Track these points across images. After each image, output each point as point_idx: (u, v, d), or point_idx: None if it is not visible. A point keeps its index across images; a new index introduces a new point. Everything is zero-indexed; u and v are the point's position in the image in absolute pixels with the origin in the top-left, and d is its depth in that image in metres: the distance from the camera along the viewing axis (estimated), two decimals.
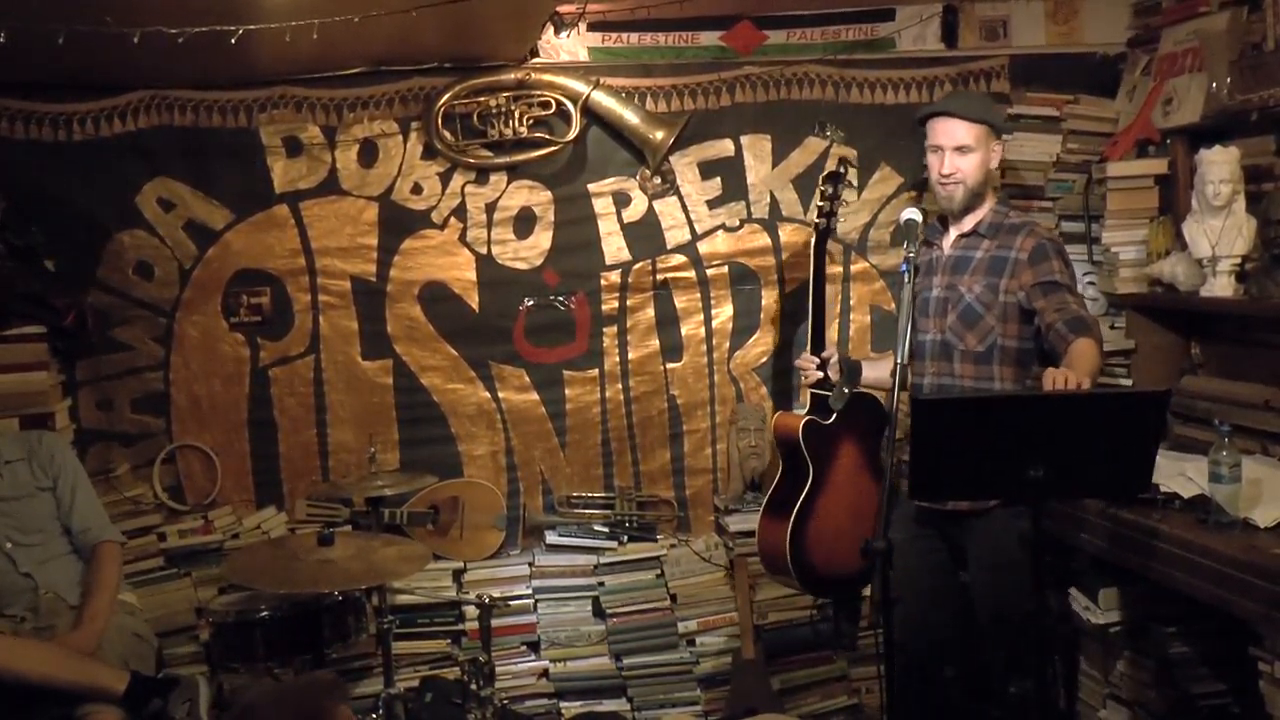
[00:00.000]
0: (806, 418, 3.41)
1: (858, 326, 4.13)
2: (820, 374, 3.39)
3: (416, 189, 3.92)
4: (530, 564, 3.99)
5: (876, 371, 3.49)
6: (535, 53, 3.88)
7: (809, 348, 3.47)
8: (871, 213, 4.09)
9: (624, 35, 3.91)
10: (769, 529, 3.46)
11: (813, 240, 3.53)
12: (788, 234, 4.06)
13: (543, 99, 3.84)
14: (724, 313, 4.08)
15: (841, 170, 3.54)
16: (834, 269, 4.08)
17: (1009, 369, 3.10)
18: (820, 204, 3.51)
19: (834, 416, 3.42)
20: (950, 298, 3.14)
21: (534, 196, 3.97)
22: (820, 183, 3.55)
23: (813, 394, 3.45)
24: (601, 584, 3.96)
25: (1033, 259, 3.03)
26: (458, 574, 3.95)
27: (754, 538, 3.58)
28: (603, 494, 4.08)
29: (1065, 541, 3.50)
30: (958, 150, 3.08)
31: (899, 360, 2.85)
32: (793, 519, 3.36)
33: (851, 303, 4.13)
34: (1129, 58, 3.96)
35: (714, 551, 4.03)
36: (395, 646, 3.52)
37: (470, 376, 4.00)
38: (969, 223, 3.16)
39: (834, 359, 3.43)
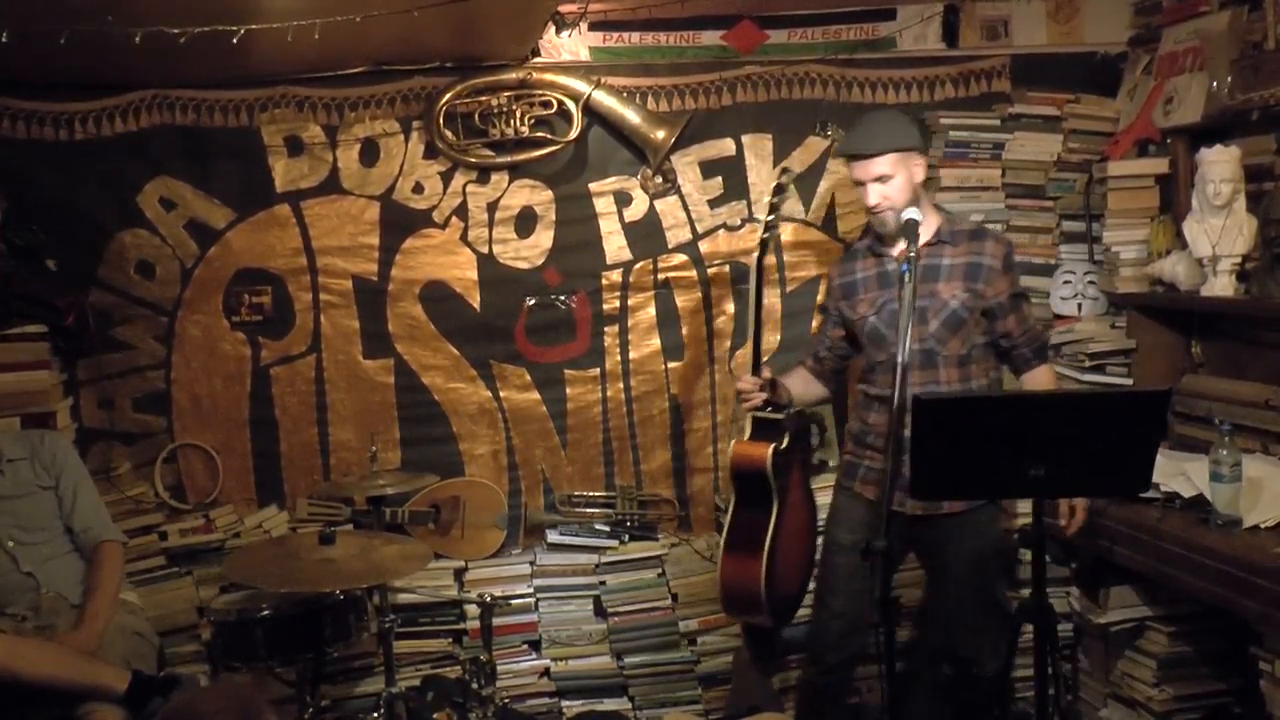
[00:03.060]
0: (771, 445, 3.26)
1: None
2: (765, 396, 3.25)
3: (418, 188, 3.93)
4: (531, 563, 3.99)
5: (797, 386, 3.40)
6: (536, 52, 3.88)
7: (750, 368, 3.32)
8: None
9: (625, 35, 3.91)
10: (738, 569, 3.28)
11: (756, 256, 3.36)
12: (789, 233, 4.05)
13: (544, 98, 3.84)
14: (725, 312, 4.08)
15: (785, 182, 3.45)
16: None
17: (982, 365, 3.21)
18: (768, 219, 3.37)
19: (786, 440, 3.29)
20: (930, 305, 3.13)
21: (535, 196, 3.97)
22: (771, 194, 3.40)
23: (759, 419, 3.30)
24: (603, 583, 3.96)
25: (1005, 267, 3.18)
26: (459, 573, 3.95)
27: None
28: (604, 493, 4.08)
29: (1065, 540, 3.51)
30: (878, 181, 3.11)
31: (901, 361, 2.84)
32: (765, 555, 3.24)
33: None
34: (1130, 57, 3.96)
35: (715, 550, 4.02)
36: (396, 645, 3.52)
37: (471, 376, 4.01)
38: (925, 233, 3.13)
39: (770, 379, 3.31)
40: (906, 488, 3.07)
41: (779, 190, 3.40)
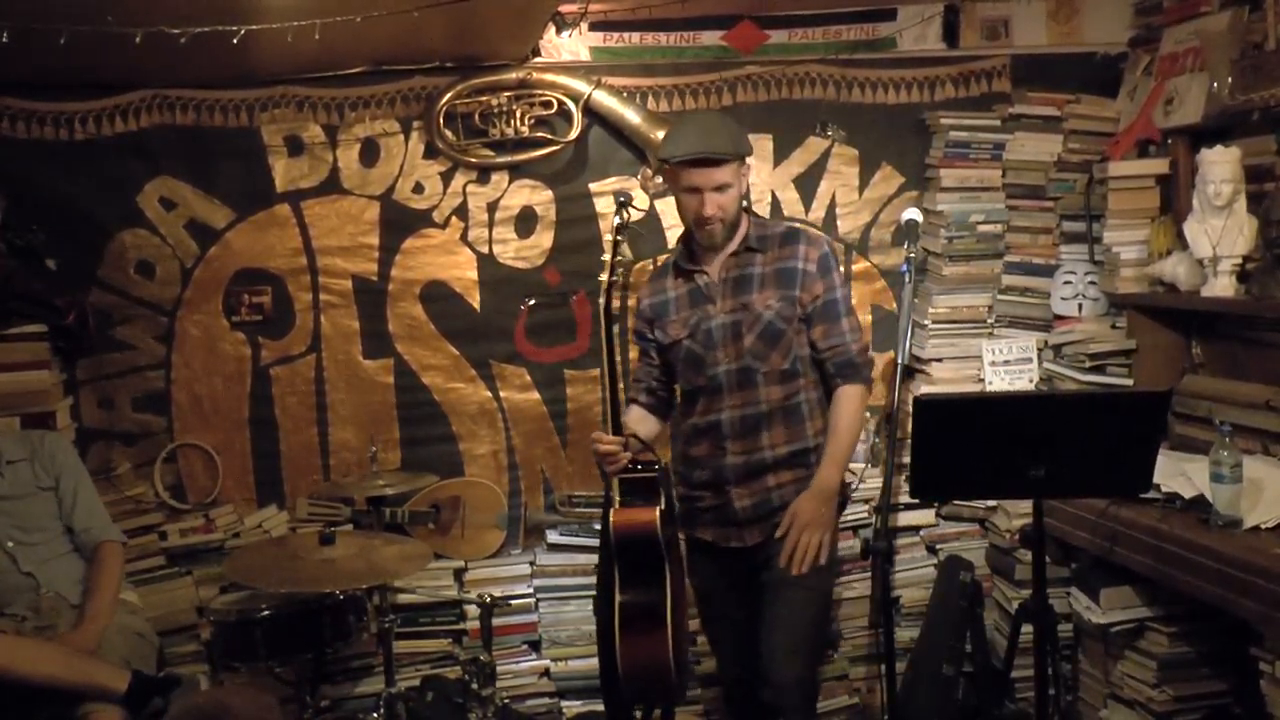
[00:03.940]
0: (655, 508, 2.93)
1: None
2: (630, 455, 2.95)
3: (418, 188, 3.92)
4: (531, 563, 3.99)
5: (643, 431, 3.13)
6: (537, 52, 3.88)
7: (608, 427, 2.98)
8: (873, 212, 4.09)
9: (625, 35, 3.91)
10: (641, 651, 2.91)
11: (601, 301, 3.03)
12: None
13: (544, 98, 3.84)
14: None
15: (625, 219, 3.11)
16: None
17: (810, 378, 2.99)
18: (615, 259, 3.05)
19: (663, 498, 2.96)
20: (743, 319, 2.93)
21: (535, 196, 3.97)
22: (614, 232, 3.11)
23: (628, 480, 2.95)
24: None
25: (821, 270, 2.95)
26: (459, 573, 3.95)
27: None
28: (604, 493, 4.06)
29: (1065, 540, 3.52)
30: (718, 190, 2.88)
31: (900, 360, 2.84)
32: (670, 629, 2.90)
33: (853, 302, 4.11)
34: (1130, 57, 3.96)
35: None
36: (396, 646, 3.52)
37: (471, 376, 4.01)
38: (733, 243, 2.98)
39: (632, 434, 3.01)
40: (738, 521, 2.96)
41: (621, 228, 3.09)
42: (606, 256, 3.05)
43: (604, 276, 3.00)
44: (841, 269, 2.95)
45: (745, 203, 3.06)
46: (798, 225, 2.97)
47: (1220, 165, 3.28)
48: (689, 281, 3.01)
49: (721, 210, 2.88)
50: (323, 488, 3.90)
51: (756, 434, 2.92)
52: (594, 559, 3.94)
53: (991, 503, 3.97)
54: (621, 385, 3.97)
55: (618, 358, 3.98)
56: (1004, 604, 3.90)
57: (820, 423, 2.98)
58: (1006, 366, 3.97)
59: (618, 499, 2.95)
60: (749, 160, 3.00)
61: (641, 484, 2.95)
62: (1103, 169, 3.81)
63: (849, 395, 2.94)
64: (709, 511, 3.02)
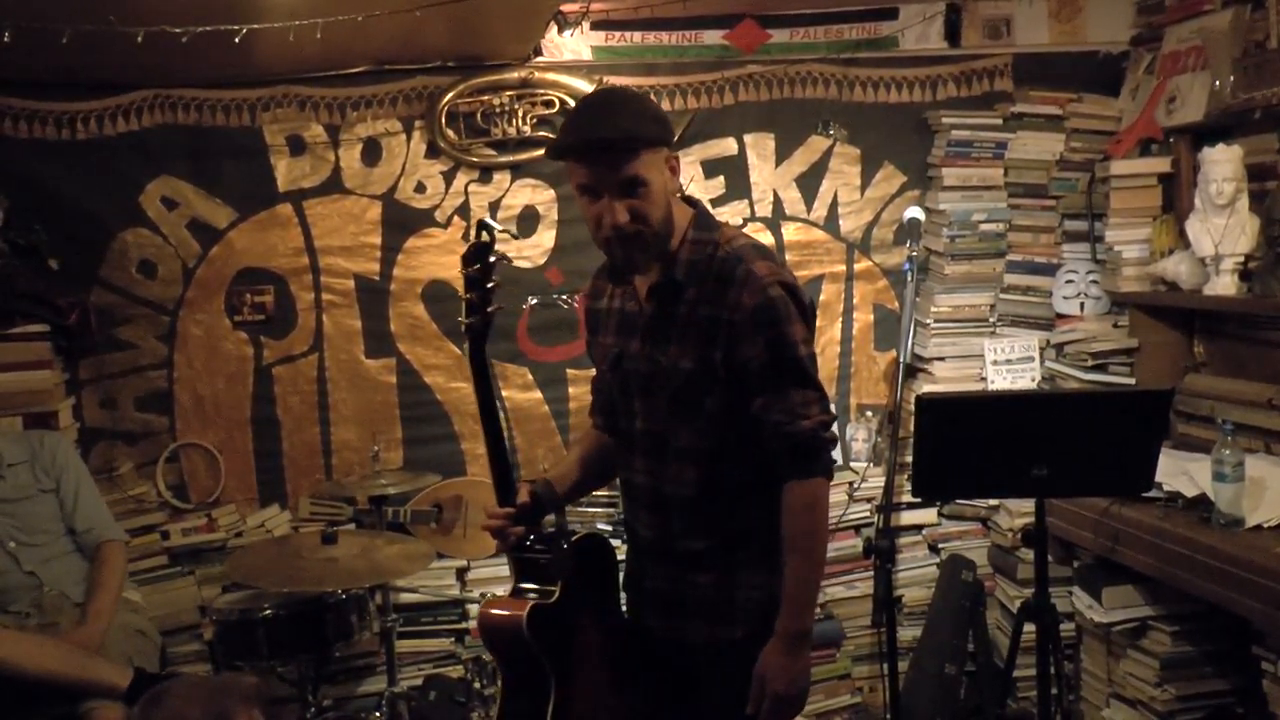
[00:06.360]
0: (531, 602, 2.24)
1: (860, 325, 4.13)
2: (521, 529, 2.27)
3: (420, 188, 3.93)
4: None
5: (587, 468, 2.47)
6: (539, 51, 3.88)
7: (496, 496, 2.31)
8: (875, 211, 4.09)
9: (627, 34, 3.91)
10: None
11: (468, 347, 2.29)
12: (791, 232, 4.06)
13: (546, 98, 3.85)
14: None
15: (488, 239, 2.18)
16: (835, 268, 4.09)
17: (741, 457, 2.18)
18: (470, 295, 2.18)
19: (558, 589, 2.28)
20: (655, 376, 2.20)
21: (537, 195, 3.97)
22: (463, 263, 2.18)
23: (521, 560, 2.32)
24: None
25: (757, 322, 2.10)
26: (461, 572, 3.95)
27: None
28: (606, 493, 4.07)
29: (1067, 539, 3.52)
30: (626, 188, 2.07)
31: (902, 359, 2.84)
32: None
33: (855, 301, 4.13)
34: (1132, 56, 3.96)
35: None
36: (398, 645, 3.53)
37: None
38: (657, 271, 2.20)
39: (529, 500, 2.32)
40: (648, 600, 2.35)
41: (474, 258, 2.17)
42: (463, 291, 2.22)
43: (462, 318, 2.23)
44: (790, 323, 2.11)
45: (688, 199, 2.28)
46: (749, 254, 2.16)
47: (1222, 164, 3.28)
48: (623, 299, 2.30)
49: (637, 219, 2.09)
50: (325, 487, 3.89)
51: (665, 516, 2.26)
52: None
53: (993, 502, 3.98)
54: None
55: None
56: (1006, 603, 3.90)
57: (753, 513, 2.20)
58: (1008, 365, 3.97)
59: (514, 581, 2.38)
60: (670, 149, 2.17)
61: (533, 567, 2.31)
62: (1105, 168, 3.82)
63: (802, 499, 2.13)
64: (656, 595, 2.34)
